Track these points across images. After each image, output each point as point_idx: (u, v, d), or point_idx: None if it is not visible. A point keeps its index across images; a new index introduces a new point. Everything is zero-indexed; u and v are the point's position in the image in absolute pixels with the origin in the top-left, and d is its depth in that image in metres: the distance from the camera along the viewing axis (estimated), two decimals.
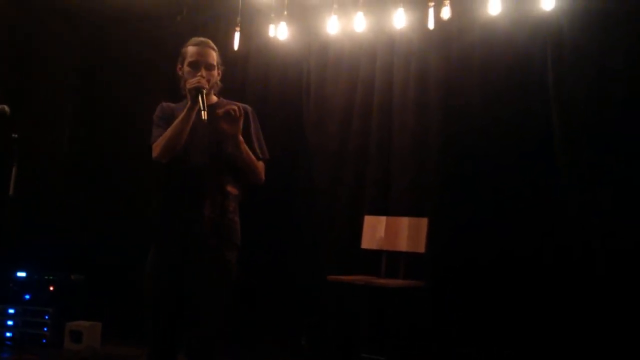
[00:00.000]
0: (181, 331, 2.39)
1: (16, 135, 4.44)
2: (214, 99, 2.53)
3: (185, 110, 2.34)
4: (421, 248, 3.66)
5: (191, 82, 2.35)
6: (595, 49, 3.54)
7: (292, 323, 4.17)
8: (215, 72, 2.49)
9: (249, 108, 2.54)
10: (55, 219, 5.20)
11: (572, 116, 3.58)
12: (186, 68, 2.48)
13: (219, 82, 2.54)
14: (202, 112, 2.27)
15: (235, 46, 4.40)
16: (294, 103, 4.55)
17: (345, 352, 3.81)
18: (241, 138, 2.39)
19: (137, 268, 4.85)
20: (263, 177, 2.55)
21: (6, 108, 2.70)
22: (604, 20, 3.51)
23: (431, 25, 3.87)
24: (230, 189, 2.45)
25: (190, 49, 2.49)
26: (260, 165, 2.55)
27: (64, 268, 4.71)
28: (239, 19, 4.33)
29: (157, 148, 2.39)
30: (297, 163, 4.48)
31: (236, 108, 2.33)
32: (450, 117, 3.97)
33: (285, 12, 4.26)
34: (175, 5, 4.89)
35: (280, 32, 4.34)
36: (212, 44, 2.52)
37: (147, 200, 4.69)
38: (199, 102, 2.30)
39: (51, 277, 4.58)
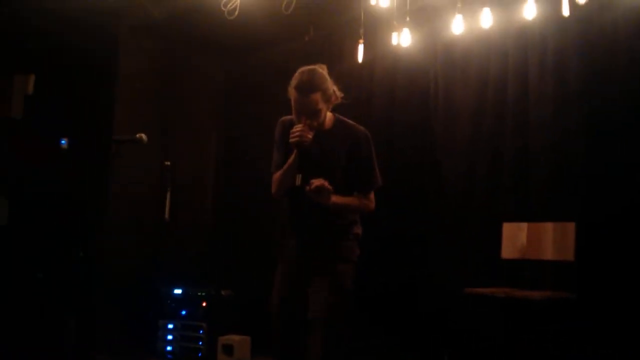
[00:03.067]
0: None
1: (168, 163, 4.83)
2: (330, 122, 2.48)
3: (292, 159, 2.38)
4: (569, 256, 3.33)
5: (293, 136, 2.32)
6: None
7: (433, 339, 4.01)
8: (323, 111, 2.40)
9: (362, 134, 2.49)
10: (204, 240, 5.55)
11: None
12: (292, 109, 2.44)
13: (335, 102, 2.45)
14: (297, 176, 2.29)
15: (360, 58, 4.38)
16: (422, 108, 4.42)
17: None
18: (334, 201, 2.36)
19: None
20: (373, 207, 2.54)
21: (143, 137, 2.90)
22: None
23: (566, 11, 3.55)
24: (346, 218, 2.50)
25: (293, 94, 2.40)
26: (367, 201, 2.52)
27: (214, 284, 4.98)
28: (362, 30, 4.31)
29: (273, 186, 2.52)
30: (427, 169, 4.33)
31: (325, 186, 2.29)
32: (595, 111, 3.60)
33: (408, 18, 4.16)
34: (300, 25, 4.99)
35: (403, 38, 4.25)
36: (316, 82, 2.36)
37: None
38: (296, 161, 2.34)
39: (203, 294, 4.86)
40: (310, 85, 2.35)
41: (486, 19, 3.88)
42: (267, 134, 5.10)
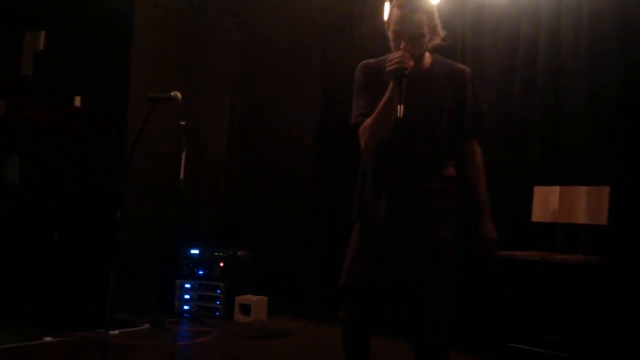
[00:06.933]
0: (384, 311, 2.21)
1: (184, 123, 4.75)
2: (428, 61, 2.18)
3: (387, 95, 2.02)
4: (603, 220, 3.31)
5: (390, 63, 1.99)
6: None
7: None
8: (425, 39, 2.09)
9: (467, 72, 2.21)
10: (220, 201, 5.51)
11: None
12: (390, 34, 2.12)
13: (435, 38, 2.14)
14: (398, 107, 1.95)
15: (386, 17, 4.27)
16: None
17: (515, 332, 3.58)
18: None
19: (297, 245, 5.04)
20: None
21: (178, 95, 2.83)
22: None
23: None
24: (448, 172, 2.19)
25: (394, 13, 2.09)
26: (476, 153, 2.25)
27: (230, 245, 4.97)
28: None
29: (362, 137, 2.15)
30: None
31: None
32: (631, 72, 3.52)
33: None
34: None
35: None
36: (424, 3, 2.06)
37: (316, 182, 4.80)
38: (395, 93, 1.97)
39: (220, 254, 4.85)
40: (416, 3, 2.06)
41: None
42: (284, 93, 5.13)
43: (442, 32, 2.14)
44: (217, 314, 4.71)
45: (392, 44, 2.09)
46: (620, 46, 3.58)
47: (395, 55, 2.01)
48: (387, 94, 2.02)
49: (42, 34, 4.80)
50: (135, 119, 4.73)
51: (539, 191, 3.64)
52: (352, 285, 2.19)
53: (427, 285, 2.10)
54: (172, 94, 2.87)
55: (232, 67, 5.60)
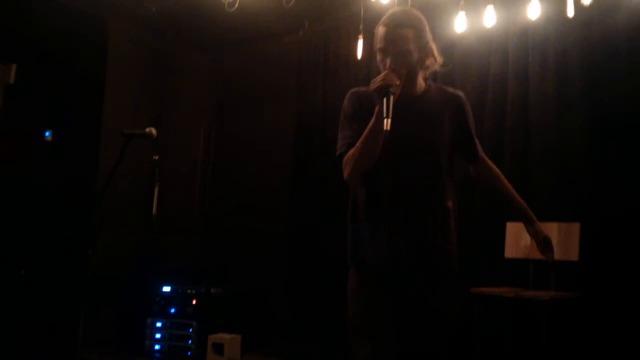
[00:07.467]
0: None
1: (157, 157, 4.70)
2: (421, 85, 2.06)
3: (374, 119, 1.86)
4: (574, 256, 3.34)
5: (374, 81, 1.86)
6: None
7: None
8: (414, 57, 1.95)
9: (463, 98, 2.09)
10: (193, 236, 5.45)
11: None
12: (377, 54, 1.98)
13: (429, 63, 2.02)
14: (385, 120, 1.78)
15: (359, 55, 4.34)
16: None
17: None
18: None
19: (271, 282, 4.98)
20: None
21: (153, 131, 2.80)
22: None
23: (571, 12, 3.57)
24: (450, 203, 2.02)
25: (380, 31, 1.96)
26: (492, 166, 2.22)
27: (204, 282, 4.88)
28: (361, 26, 4.26)
29: (345, 168, 1.97)
30: None
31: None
32: (598, 111, 3.62)
33: None
34: (295, 19, 4.92)
35: None
36: (410, 18, 1.96)
37: (294, 215, 4.77)
38: (382, 107, 1.82)
39: (193, 291, 4.76)
40: (402, 19, 1.95)
41: (489, 18, 3.87)
42: (259, 126, 5.14)
43: (438, 56, 2.03)
44: (189, 353, 4.59)
45: (380, 66, 1.97)
46: (586, 84, 3.69)
47: (380, 76, 1.88)
48: (373, 118, 1.87)
49: (13, 67, 4.75)
50: (108, 153, 4.70)
51: (511, 227, 3.68)
52: (367, 344, 1.96)
53: (423, 340, 1.97)
54: (146, 130, 2.85)
55: (207, 100, 5.61)
